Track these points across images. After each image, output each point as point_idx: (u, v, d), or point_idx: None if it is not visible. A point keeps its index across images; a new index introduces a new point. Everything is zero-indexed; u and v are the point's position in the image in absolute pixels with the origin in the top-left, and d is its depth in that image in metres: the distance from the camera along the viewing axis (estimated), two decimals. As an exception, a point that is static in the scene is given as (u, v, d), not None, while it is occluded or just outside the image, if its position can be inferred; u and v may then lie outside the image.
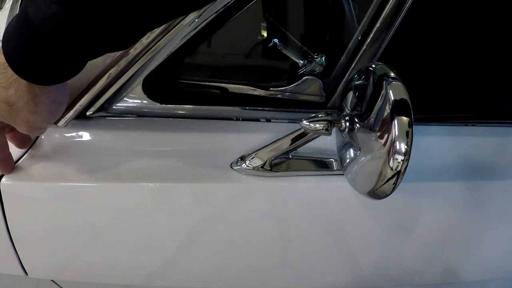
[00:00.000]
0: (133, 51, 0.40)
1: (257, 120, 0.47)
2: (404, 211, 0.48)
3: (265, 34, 0.47)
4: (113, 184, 0.45)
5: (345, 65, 0.44)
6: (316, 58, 0.46)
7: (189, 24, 0.38)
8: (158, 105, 0.47)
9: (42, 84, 0.34)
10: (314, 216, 0.47)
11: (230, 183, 0.45)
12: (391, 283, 0.55)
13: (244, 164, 0.44)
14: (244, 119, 0.48)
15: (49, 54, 0.31)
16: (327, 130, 0.38)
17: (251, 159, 0.44)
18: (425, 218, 0.48)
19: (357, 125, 0.39)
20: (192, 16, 0.37)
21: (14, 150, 0.46)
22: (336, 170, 0.45)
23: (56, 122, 0.47)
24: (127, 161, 0.46)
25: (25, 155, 0.46)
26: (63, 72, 0.34)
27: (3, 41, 0.32)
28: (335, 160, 0.45)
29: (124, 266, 0.51)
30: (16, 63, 0.32)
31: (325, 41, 0.52)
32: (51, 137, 0.47)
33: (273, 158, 0.44)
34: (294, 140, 0.42)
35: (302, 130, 0.41)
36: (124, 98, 0.46)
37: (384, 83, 0.35)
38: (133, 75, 0.43)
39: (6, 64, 0.32)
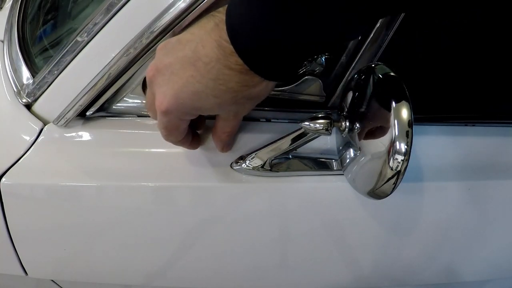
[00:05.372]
0: (133, 51, 0.40)
1: (257, 120, 0.47)
2: (404, 211, 0.48)
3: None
4: (113, 184, 0.45)
5: (345, 65, 0.44)
6: (316, 58, 0.46)
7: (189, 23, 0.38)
8: (158, 105, 0.46)
9: (284, 80, 0.34)
10: (314, 216, 0.47)
11: (230, 183, 0.45)
12: (391, 283, 0.55)
13: (244, 164, 0.44)
14: (244, 119, 0.48)
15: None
16: (327, 130, 0.38)
17: (251, 159, 0.44)
18: (425, 218, 0.48)
19: (357, 125, 0.39)
20: (192, 16, 0.37)
21: (14, 150, 0.46)
22: (336, 170, 0.45)
23: (56, 122, 0.47)
24: (127, 161, 0.46)
25: (25, 155, 0.46)
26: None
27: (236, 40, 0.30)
28: (335, 160, 0.45)
29: (124, 266, 0.51)
30: (266, 66, 0.30)
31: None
32: (51, 137, 0.47)
33: (273, 158, 0.44)
34: (294, 140, 0.42)
35: (302, 130, 0.41)
36: (124, 98, 0.46)
37: (384, 83, 0.35)
38: (133, 75, 0.43)
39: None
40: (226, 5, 0.31)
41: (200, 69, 0.31)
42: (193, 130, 0.43)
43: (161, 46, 0.35)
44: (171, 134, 0.38)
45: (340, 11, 0.27)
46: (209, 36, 0.31)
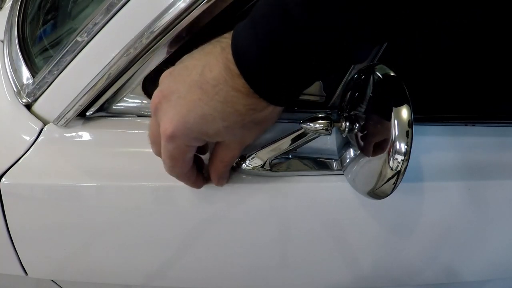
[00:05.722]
0: (133, 51, 0.40)
1: (257, 120, 0.47)
2: (404, 211, 0.48)
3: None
4: (113, 184, 0.45)
5: (345, 65, 0.44)
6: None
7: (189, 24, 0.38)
8: (158, 105, 0.46)
9: (289, 105, 0.33)
10: (314, 216, 0.47)
11: (230, 183, 0.45)
12: (391, 283, 0.55)
13: (244, 164, 0.44)
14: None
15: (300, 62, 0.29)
16: (327, 130, 0.38)
17: (251, 159, 0.44)
18: (425, 218, 0.48)
19: (357, 125, 0.39)
20: (192, 15, 0.37)
21: (14, 150, 0.46)
22: (336, 170, 0.45)
23: (56, 122, 0.47)
24: (127, 161, 0.46)
25: (25, 155, 0.46)
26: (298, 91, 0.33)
27: (239, 57, 0.30)
28: (335, 160, 0.45)
29: (124, 266, 0.51)
30: (268, 89, 0.31)
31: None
32: (51, 137, 0.47)
33: (273, 158, 0.44)
34: (294, 140, 0.42)
35: (302, 130, 0.41)
36: (124, 98, 0.46)
37: (384, 83, 0.35)
38: (133, 75, 0.43)
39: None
40: (232, 31, 0.31)
41: (207, 91, 0.31)
42: (197, 168, 0.41)
43: (165, 74, 0.34)
44: (176, 165, 0.36)
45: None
46: (216, 60, 0.31)
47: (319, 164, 0.46)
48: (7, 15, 0.66)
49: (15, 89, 0.51)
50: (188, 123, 0.32)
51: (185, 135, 0.33)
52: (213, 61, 0.31)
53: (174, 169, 0.37)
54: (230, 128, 0.33)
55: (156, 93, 0.34)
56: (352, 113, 0.40)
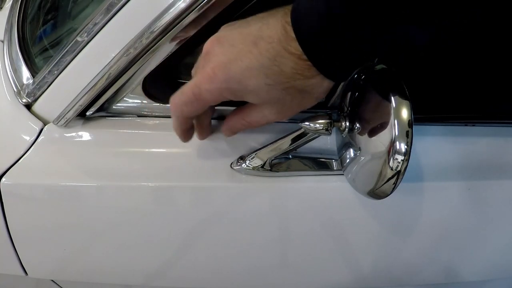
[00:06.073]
0: (133, 51, 0.40)
1: (257, 120, 0.47)
2: (404, 211, 0.48)
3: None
4: (113, 184, 0.45)
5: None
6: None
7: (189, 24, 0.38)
8: (158, 105, 0.47)
9: (340, 81, 0.33)
10: (314, 216, 0.47)
11: (230, 183, 0.45)
12: (391, 283, 0.55)
13: (244, 164, 0.44)
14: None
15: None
16: (327, 130, 0.38)
17: (251, 159, 0.44)
18: (425, 218, 0.48)
19: (357, 125, 0.39)
20: (192, 15, 0.37)
21: (14, 150, 0.46)
22: (336, 170, 0.45)
23: (56, 122, 0.47)
24: (127, 161, 0.46)
25: (25, 155, 0.46)
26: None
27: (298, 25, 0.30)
28: (335, 160, 0.45)
29: (124, 266, 0.52)
30: (323, 60, 0.30)
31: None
32: (51, 137, 0.47)
33: (273, 158, 0.44)
34: (294, 140, 0.42)
35: (302, 130, 0.41)
36: (124, 98, 0.46)
37: (384, 83, 0.35)
38: (133, 75, 0.43)
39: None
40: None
41: (260, 47, 0.31)
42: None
43: (227, 24, 0.35)
44: (191, 108, 0.36)
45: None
46: (276, 20, 0.31)
47: (319, 164, 0.46)
48: (7, 15, 0.66)
49: (15, 89, 0.51)
50: (232, 70, 0.32)
51: (224, 81, 0.33)
52: (272, 20, 0.32)
53: (184, 109, 0.37)
54: (271, 87, 0.32)
55: (211, 38, 0.34)
56: (352, 113, 0.40)
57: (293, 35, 0.30)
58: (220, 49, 0.33)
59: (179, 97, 0.36)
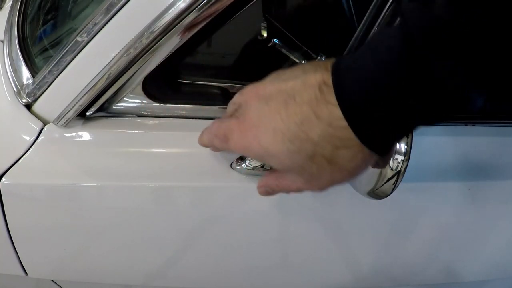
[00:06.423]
0: (133, 51, 0.40)
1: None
2: (404, 211, 0.48)
3: (265, 34, 0.47)
4: (113, 184, 0.45)
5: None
6: (316, 58, 0.46)
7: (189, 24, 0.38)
8: (158, 105, 0.47)
9: (383, 154, 0.28)
10: (314, 216, 0.47)
11: (230, 183, 0.45)
12: (391, 283, 0.55)
13: (244, 164, 0.44)
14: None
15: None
16: (327, 130, 0.38)
17: (251, 159, 0.44)
18: (425, 218, 0.48)
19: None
20: (192, 15, 0.37)
21: (14, 150, 0.46)
22: (336, 170, 0.45)
23: (56, 122, 0.47)
24: (127, 161, 0.46)
25: (25, 155, 0.46)
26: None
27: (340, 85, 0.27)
28: (335, 160, 0.45)
29: (124, 266, 0.52)
30: (364, 129, 0.27)
31: (325, 41, 0.51)
32: (51, 137, 0.47)
33: (273, 158, 0.44)
34: (294, 140, 0.42)
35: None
36: (124, 98, 0.46)
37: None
38: (133, 75, 0.43)
39: (345, 122, 0.27)
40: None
41: (289, 108, 0.29)
42: None
43: (276, 72, 0.33)
44: (217, 142, 0.36)
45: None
46: (315, 77, 0.29)
47: (319, 164, 0.46)
48: (7, 15, 0.66)
49: (15, 89, 0.51)
50: (258, 133, 0.31)
51: (249, 144, 0.32)
52: (310, 78, 0.29)
53: (214, 143, 0.36)
54: (295, 155, 0.30)
55: (253, 86, 0.33)
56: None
57: (332, 100, 0.27)
58: (256, 103, 0.32)
59: (216, 128, 0.36)
